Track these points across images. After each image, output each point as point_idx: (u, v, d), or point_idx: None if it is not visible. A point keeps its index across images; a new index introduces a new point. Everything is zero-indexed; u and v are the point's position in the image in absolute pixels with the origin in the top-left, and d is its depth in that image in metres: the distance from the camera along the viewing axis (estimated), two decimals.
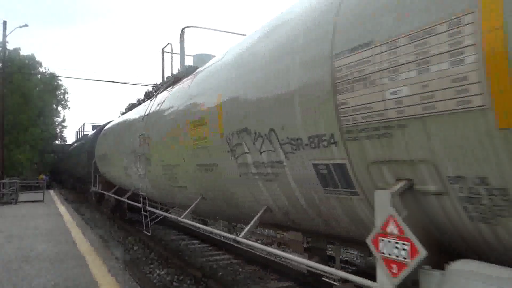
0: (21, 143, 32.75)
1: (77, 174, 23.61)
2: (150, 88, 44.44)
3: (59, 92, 45.79)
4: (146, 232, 8.55)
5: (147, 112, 8.09)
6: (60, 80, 43.38)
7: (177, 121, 6.10)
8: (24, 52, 39.67)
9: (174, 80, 7.75)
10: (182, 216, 5.98)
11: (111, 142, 12.33)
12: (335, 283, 6.11)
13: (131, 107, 37.28)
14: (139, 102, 43.63)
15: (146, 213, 8.42)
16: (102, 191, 14.05)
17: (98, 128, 18.25)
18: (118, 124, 12.28)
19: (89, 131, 25.84)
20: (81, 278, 5.63)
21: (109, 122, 16.24)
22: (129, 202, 10.15)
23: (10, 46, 32.25)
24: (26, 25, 24.68)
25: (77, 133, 33.72)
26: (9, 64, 31.10)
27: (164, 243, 10.25)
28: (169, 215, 7.67)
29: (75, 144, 29.79)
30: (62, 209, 15.66)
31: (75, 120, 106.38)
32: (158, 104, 7.52)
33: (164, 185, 7.16)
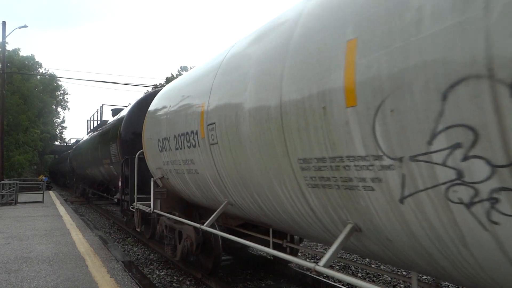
0: (20, 144, 32.79)
1: (94, 176, 16.99)
2: (150, 89, 44.67)
3: (59, 93, 45.95)
4: None
5: None
6: (60, 81, 43.54)
7: None
8: (23, 53, 39.81)
9: None
10: None
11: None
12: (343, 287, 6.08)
13: None
14: None
15: None
16: (172, 216, 6.61)
17: (141, 98, 11.21)
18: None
19: (106, 119, 18.09)
20: (81, 279, 5.63)
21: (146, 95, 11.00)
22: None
23: (9, 47, 32.35)
24: (25, 26, 24.70)
25: (88, 122, 23.28)
26: (9, 65, 31.15)
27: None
28: None
29: (87, 137, 20.77)
30: (62, 210, 15.65)
31: (75, 121, 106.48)
32: None
33: None
